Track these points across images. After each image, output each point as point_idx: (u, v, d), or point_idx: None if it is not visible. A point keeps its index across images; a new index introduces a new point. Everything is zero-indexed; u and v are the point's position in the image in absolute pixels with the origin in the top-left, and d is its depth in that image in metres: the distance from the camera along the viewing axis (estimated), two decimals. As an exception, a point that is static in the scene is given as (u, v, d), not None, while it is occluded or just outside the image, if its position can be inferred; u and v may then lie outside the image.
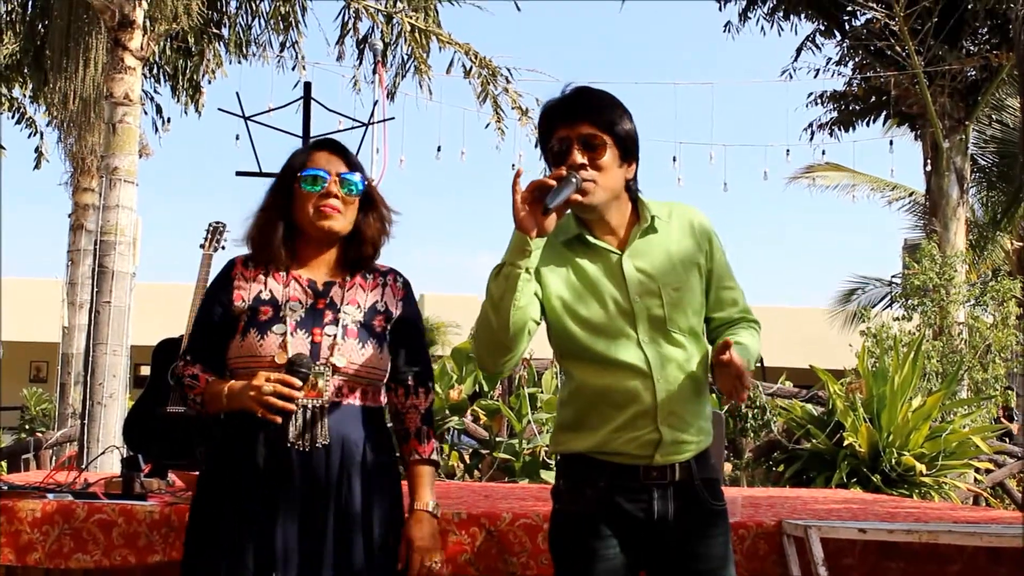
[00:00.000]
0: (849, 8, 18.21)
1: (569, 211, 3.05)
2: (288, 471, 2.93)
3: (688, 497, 3.03)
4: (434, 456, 3.21)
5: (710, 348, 3.10)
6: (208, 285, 3.17)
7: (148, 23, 10.65)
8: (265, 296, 3.05)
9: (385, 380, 3.16)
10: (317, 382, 2.94)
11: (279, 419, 2.88)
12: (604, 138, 2.99)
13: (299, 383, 2.88)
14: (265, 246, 3.09)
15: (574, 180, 2.90)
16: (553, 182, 2.86)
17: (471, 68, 13.67)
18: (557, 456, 3.19)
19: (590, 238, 3.06)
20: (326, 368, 2.98)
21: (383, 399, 3.17)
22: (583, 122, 2.99)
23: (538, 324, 3.03)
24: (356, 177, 3.11)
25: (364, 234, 3.15)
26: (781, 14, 19.04)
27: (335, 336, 3.02)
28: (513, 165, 14.85)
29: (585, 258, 3.05)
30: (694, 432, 3.04)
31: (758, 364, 14.54)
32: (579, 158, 2.96)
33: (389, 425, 3.22)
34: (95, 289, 10.15)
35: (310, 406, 2.95)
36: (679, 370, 3.01)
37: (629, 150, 3.05)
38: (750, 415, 11.49)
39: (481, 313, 2.98)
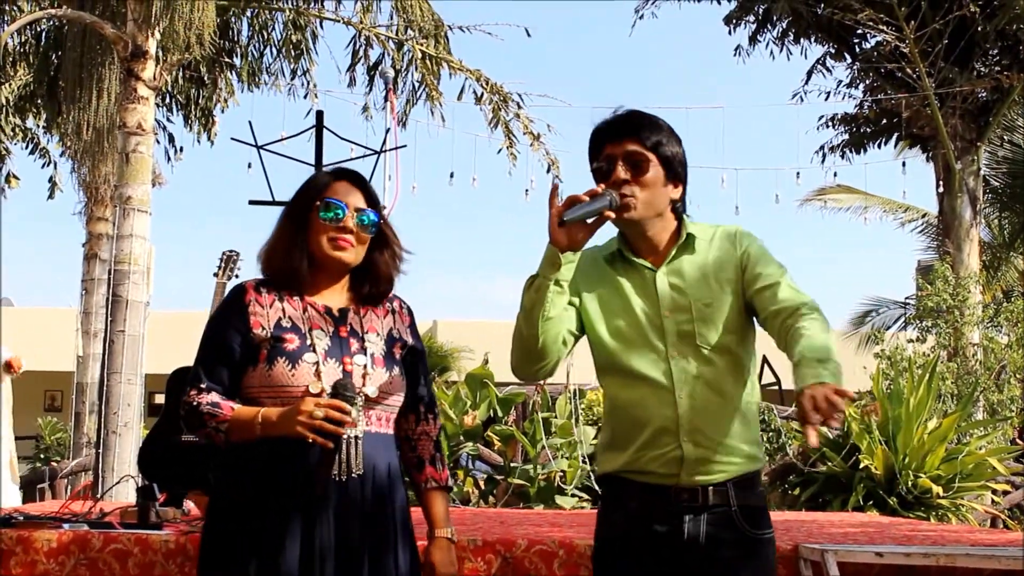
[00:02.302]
0: (859, 31, 18.24)
1: (617, 230, 3.11)
2: (324, 501, 2.92)
3: (723, 523, 3.00)
4: (449, 482, 3.24)
5: (754, 363, 3.11)
6: (218, 311, 3.11)
7: (161, 53, 10.72)
8: (286, 323, 3.02)
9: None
10: (354, 408, 2.93)
11: (331, 444, 2.85)
12: (648, 156, 3.03)
13: (349, 408, 2.87)
14: (290, 273, 3.06)
15: (608, 198, 2.94)
16: (587, 198, 2.91)
17: (482, 94, 13.70)
18: (601, 478, 3.20)
19: (629, 255, 3.09)
20: (359, 397, 2.97)
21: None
22: (628, 140, 3.03)
23: (576, 337, 3.08)
24: (373, 214, 3.10)
25: (380, 271, 3.15)
26: (791, 37, 19.09)
27: (365, 365, 3.02)
28: (526, 191, 14.87)
29: (623, 274, 3.09)
30: (726, 452, 3.01)
31: (774, 387, 14.51)
32: (622, 174, 3.00)
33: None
34: (109, 318, 10.19)
35: (346, 435, 2.93)
36: (706, 387, 2.99)
37: (676, 172, 3.08)
38: (764, 438, 11.46)
39: (516, 322, 3.02)
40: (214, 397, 3.01)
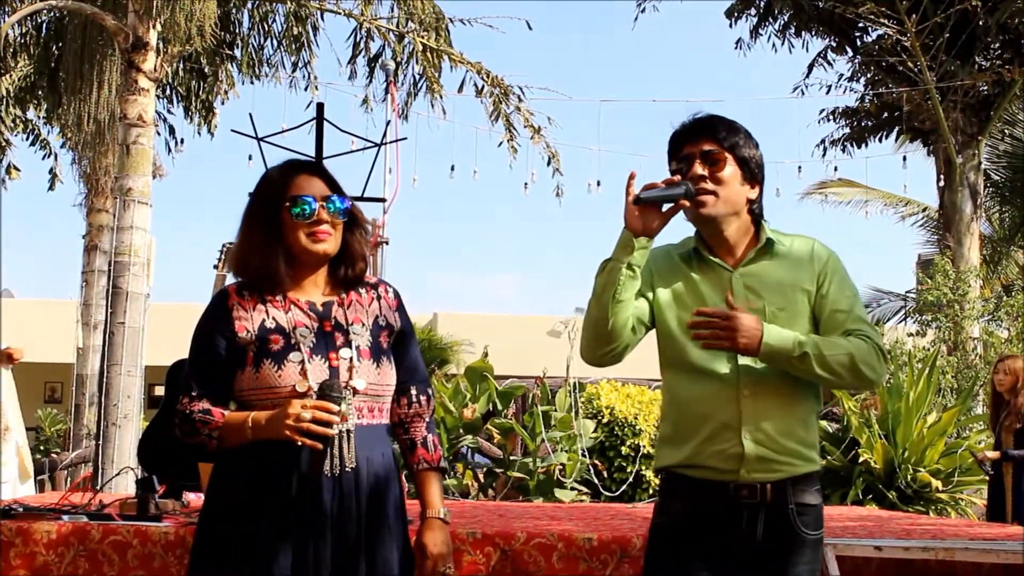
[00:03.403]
0: (861, 24, 18.22)
1: (695, 229, 3.16)
2: (319, 497, 2.93)
3: (779, 521, 3.04)
4: (442, 463, 3.23)
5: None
6: (203, 318, 3.11)
7: (161, 45, 10.71)
8: (270, 324, 3.01)
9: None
10: (341, 407, 2.93)
11: (320, 445, 2.86)
12: (724, 154, 3.09)
13: (336, 408, 2.88)
14: (269, 275, 3.06)
15: (684, 187, 3.02)
16: (663, 185, 3.00)
17: (483, 87, 13.67)
18: (660, 473, 3.23)
19: (706, 253, 3.14)
20: (347, 392, 2.97)
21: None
22: (705, 140, 3.10)
23: (646, 328, 3.14)
24: (340, 200, 3.10)
25: (355, 251, 3.14)
26: (792, 31, 19.07)
27: (351, 359, 3.02)
28: (526, 184, 14.85)
29: (699, 271, 3.15)
30: (787, 453, 3.05)
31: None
32: (699, 170, 3.07)
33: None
34: (109, 310, 10.19)
35: (337, 431, 2.93)
36: (771, 388, 3.04)
37: (752, 172, 3.14)
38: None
39: (587, 306, 3.10)
40: (205, 404, 3.01)
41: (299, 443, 2.85)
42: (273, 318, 3.03)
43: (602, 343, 3.07)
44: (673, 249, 3.19)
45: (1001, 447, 8.67)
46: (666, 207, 3.01)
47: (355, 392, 3.00)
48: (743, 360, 3.04)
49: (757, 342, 2.95)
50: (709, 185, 3.06)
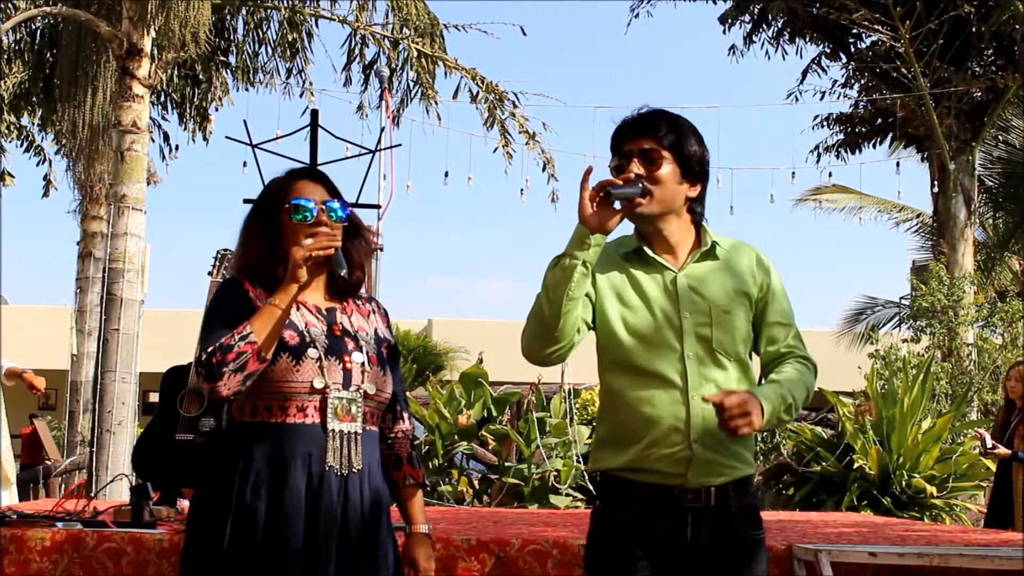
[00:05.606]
0: (854, 31, 18.26)
1: (633, 226, 3.12)
2: (328, 496, 2.95)
3: (724, 524, 3.03)
4: (424, 479, 3.31)
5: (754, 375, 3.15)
6: (220, 298, 3.10)
7: (156, 51, 10.71)
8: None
9: None
10: (351, 408, 2.97)
11: (332, 250, 2.97)
12: (663, 152, 3.05)
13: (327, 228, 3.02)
14: (270, 278, 3.06)
15: (640, 185, 2.99)
16: (620, 182, 2.96)
17: (478, 93, 13.67)
18: (596, 476, 3.19)
19: (648, 252, 3.11)
20: (358, 394, 3.01)
21: None
22: (645, 137, 3.07)
23: (589, 328, 3.07)
24: (338, 204, 3.13)
25: (353, 260, 3.17)
26: (786, 37, 19.11)
27: (363, 363, 3.06)
28: (521, 190, 14.86)
29: (641, 270, 3.10)
30: (730, 457, 3.05)
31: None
32: (636, 168, 3.03)
33: None
34: (104, 316, 10.19)
35: (346, 431, 2.98)
36: (718, 391, 3.00)
37: (693, 171, 3.10)
38: (758, 438, 11.49)
39: (534, 303, 3.02)
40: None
41: (315, 254, 2.95)
42: None
43: (550, 342, 2.99)
44: (612, 248, 3.13)
45: (1013, 451, 8.65)
46: (618, 205, 2.97)
47: (366, 396, 3.04)
48: (689, 362, 3.02)
49: (764, 415, 2.94)
50: (645, 184, 3.02)
